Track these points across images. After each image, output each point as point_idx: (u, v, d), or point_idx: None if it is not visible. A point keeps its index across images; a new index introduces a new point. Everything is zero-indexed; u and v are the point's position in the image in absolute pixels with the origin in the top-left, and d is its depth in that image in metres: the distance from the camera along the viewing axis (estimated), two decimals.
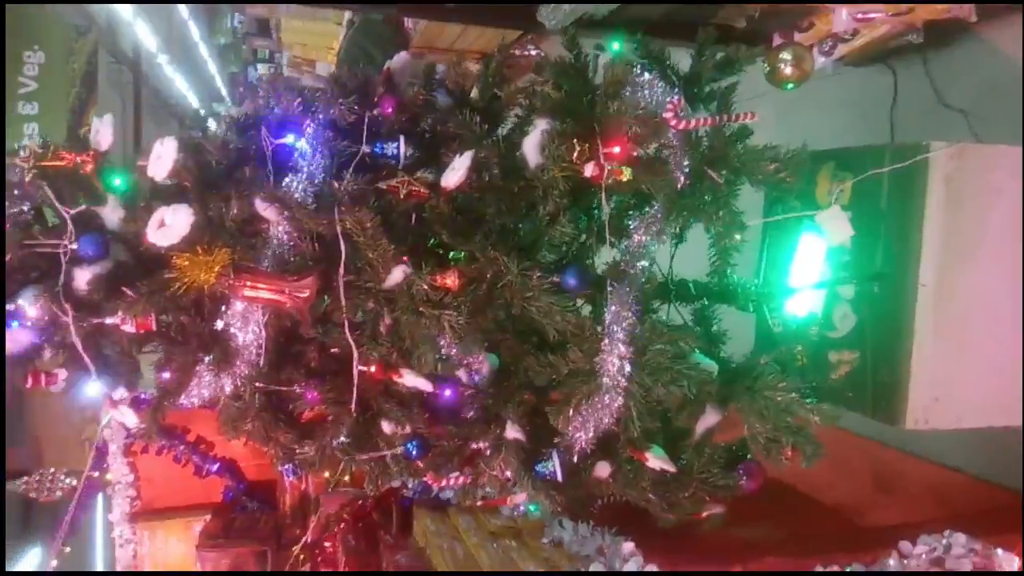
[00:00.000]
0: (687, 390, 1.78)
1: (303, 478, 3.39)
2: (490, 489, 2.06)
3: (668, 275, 2.17)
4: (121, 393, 1.94)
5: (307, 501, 3.47)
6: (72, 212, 1.87)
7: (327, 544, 3.08)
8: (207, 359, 1.88)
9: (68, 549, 3.22)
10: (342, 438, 1.94)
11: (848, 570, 1.88)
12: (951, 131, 2.74)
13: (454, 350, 1.89)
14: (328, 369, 1.94)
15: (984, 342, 2.15)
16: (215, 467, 3.51)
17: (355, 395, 1.88)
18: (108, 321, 1.85)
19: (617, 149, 1.76)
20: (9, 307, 1.84)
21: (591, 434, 1.80)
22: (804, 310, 2.26)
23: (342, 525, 2.95)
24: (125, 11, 10.30)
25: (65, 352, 1.91)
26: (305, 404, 1.96)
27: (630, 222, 1.87)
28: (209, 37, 17.63)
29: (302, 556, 3.17)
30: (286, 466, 2.08)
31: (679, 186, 1.84)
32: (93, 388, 1.92)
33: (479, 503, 2.32)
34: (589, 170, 1.76)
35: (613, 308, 1.76)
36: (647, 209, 1.87)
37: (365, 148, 1.90)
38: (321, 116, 1.87)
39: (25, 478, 3.37)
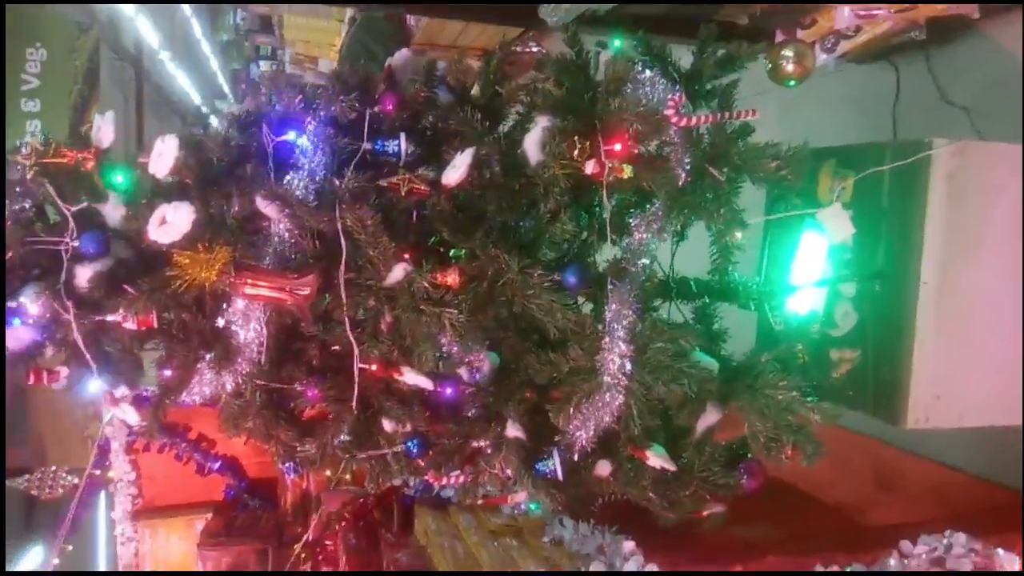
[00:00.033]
0: (688, 388, 1.78)
1: (304, 476, 3.39)
2: (491, 487, 2.07)
3: (669, 273, 2.17)
4: (122, 391, 1.95)
5: (308, 499, 3.47)
6: (73, 209, 1.87)
7: (328, 542, 3.08)
8: (208, 357, 1.88)
9: (70, 547, 3.23)
10: (343, 436, 1.95)
11: (848, 570, 1.88)
12: (954, 128, 2.73)
13: (455, 348, 1.89)
14: (329, 367, 1.95)
15: (986, 340, 2.14)
16: (216, 465, 3.53)
17: (356, 393, 1.88)
18: (109, 318, 1.85)
19: (618, 146, 1.76)
20: (11, 304, 1.85)
21: (592, 432, 1.80)
22: (805, 308, 2.25)
23: (343, 523, 2.95)
24: (127, 8, 10.30)
25: (67, 349, 1.91)
26: (306, 402, 1.96)
27: (631, 220, 1.87)
28: (211, 34, 17.63)
29: (303, 554, 3.18)
30: (287, 464, 2.09)
31: (680, 184, 1.83)
32: (95, 385, 1.93)
33: (480, 502, 2.32)
34: (590, 167, 1.76)
35: (614, 306, 1.76)
36: (648, 207, 1.86)
37: (366, 145, 1.90)
38: (322, 113, 1.87)
39: (27, 476, 3.38)
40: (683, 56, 1.97)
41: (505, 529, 2.32)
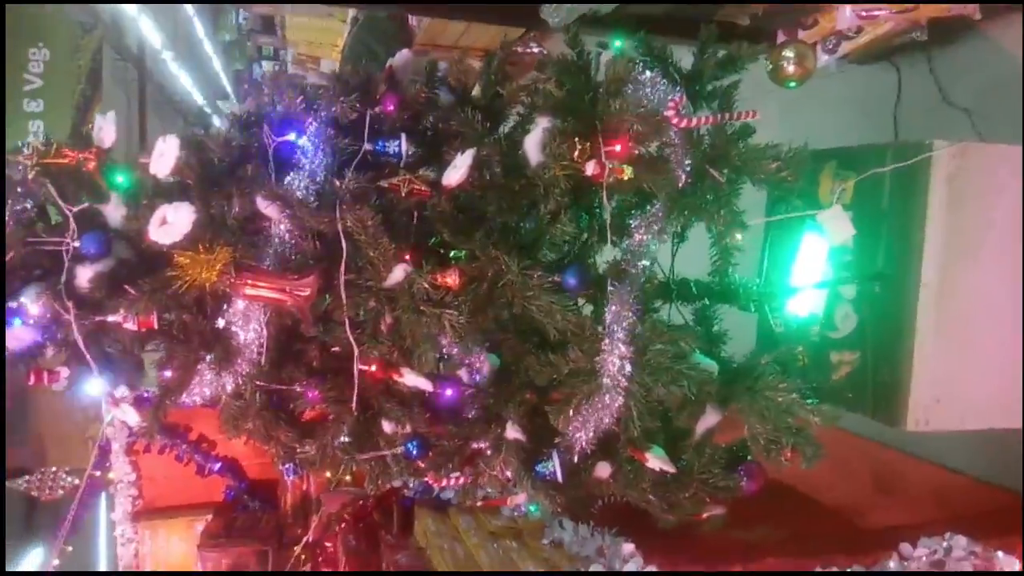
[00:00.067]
0: (687, 390, 1.78)
1: (304, 477, 3.39)
2: (490, 489, 2.06)
3: (669, 274, 2.16)
4: (123, 391, 1.95)
5: (308, 500, 3.47)
6: (74, 210, 1.87)
7: (328, 544, 3.08)
8: (209, 357, 1.88)
9: (70, 548, 3.23)
10: (343, 437, 1.94)
11: (848, 571, 1.87)
12: (955, 129, 2.73)
13: (455, 349, 1.89)
14: (329, 368, 1.95)
15: (986, 343, 2.14)
16: (217, 466, 3.53)
17: (356, 394, 1.88)
18: (110, 319, 1.85)
19: (619, 147, 1.76)
20: (11, 305, 1.85)
21: (591, 434, 1.80)
22: (805, 310, 2.25)
23: (343, 525, 2.96)
24: (130, 8, 10.31)
25: (67, 350, 1.92)
26: (306, 403, 1.96)
27: (631, 221, 1.87)
28: (214, 34, 17.63)
29: (303, 556, 3.18)
30: (287, 465, 2.09)
31: (680, 185, 1.83)
32: (95, 386, 1.93)
33: (479, 503, 2.32)
34: (590, 168, 1.76)
35: (614, 307, 1.76)
36: (648, 208, 1.87)
37: (367, 146, 1.90)
38: (323, 114, 1.88)
39: (27, 476, 3.38)
40: (684, 57, 1.97)
41: (505, 531, 2.32)
